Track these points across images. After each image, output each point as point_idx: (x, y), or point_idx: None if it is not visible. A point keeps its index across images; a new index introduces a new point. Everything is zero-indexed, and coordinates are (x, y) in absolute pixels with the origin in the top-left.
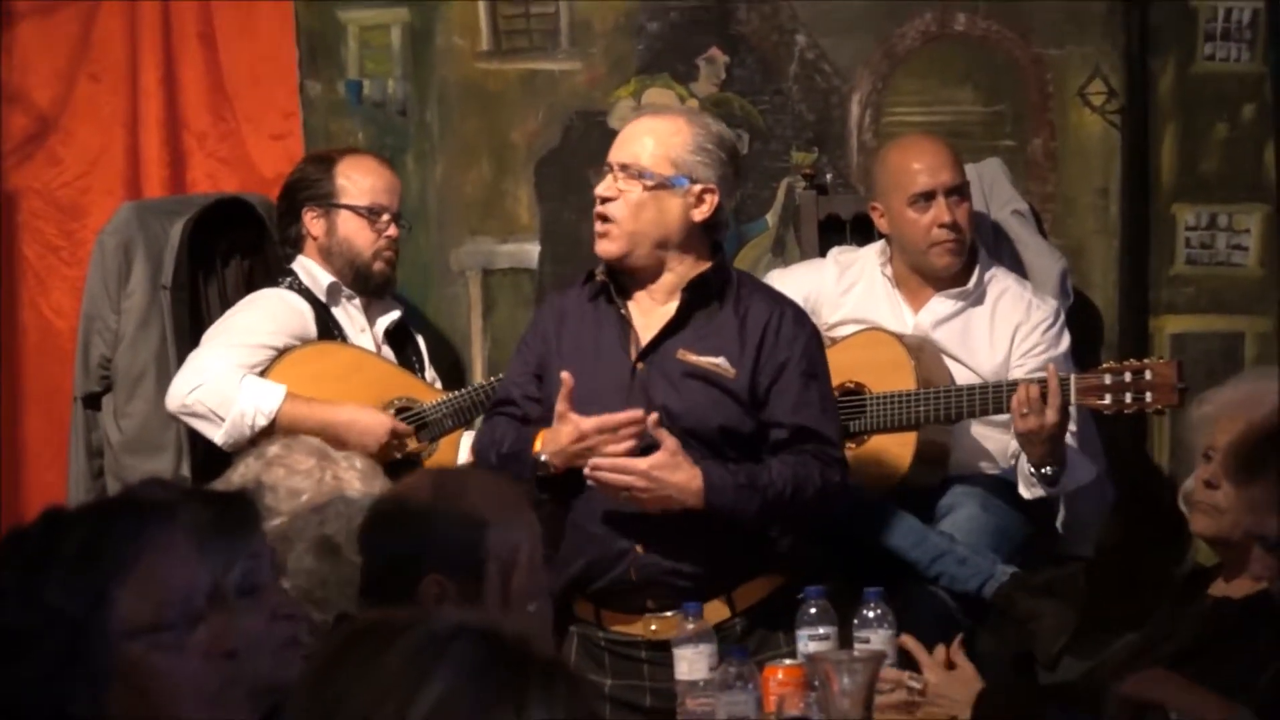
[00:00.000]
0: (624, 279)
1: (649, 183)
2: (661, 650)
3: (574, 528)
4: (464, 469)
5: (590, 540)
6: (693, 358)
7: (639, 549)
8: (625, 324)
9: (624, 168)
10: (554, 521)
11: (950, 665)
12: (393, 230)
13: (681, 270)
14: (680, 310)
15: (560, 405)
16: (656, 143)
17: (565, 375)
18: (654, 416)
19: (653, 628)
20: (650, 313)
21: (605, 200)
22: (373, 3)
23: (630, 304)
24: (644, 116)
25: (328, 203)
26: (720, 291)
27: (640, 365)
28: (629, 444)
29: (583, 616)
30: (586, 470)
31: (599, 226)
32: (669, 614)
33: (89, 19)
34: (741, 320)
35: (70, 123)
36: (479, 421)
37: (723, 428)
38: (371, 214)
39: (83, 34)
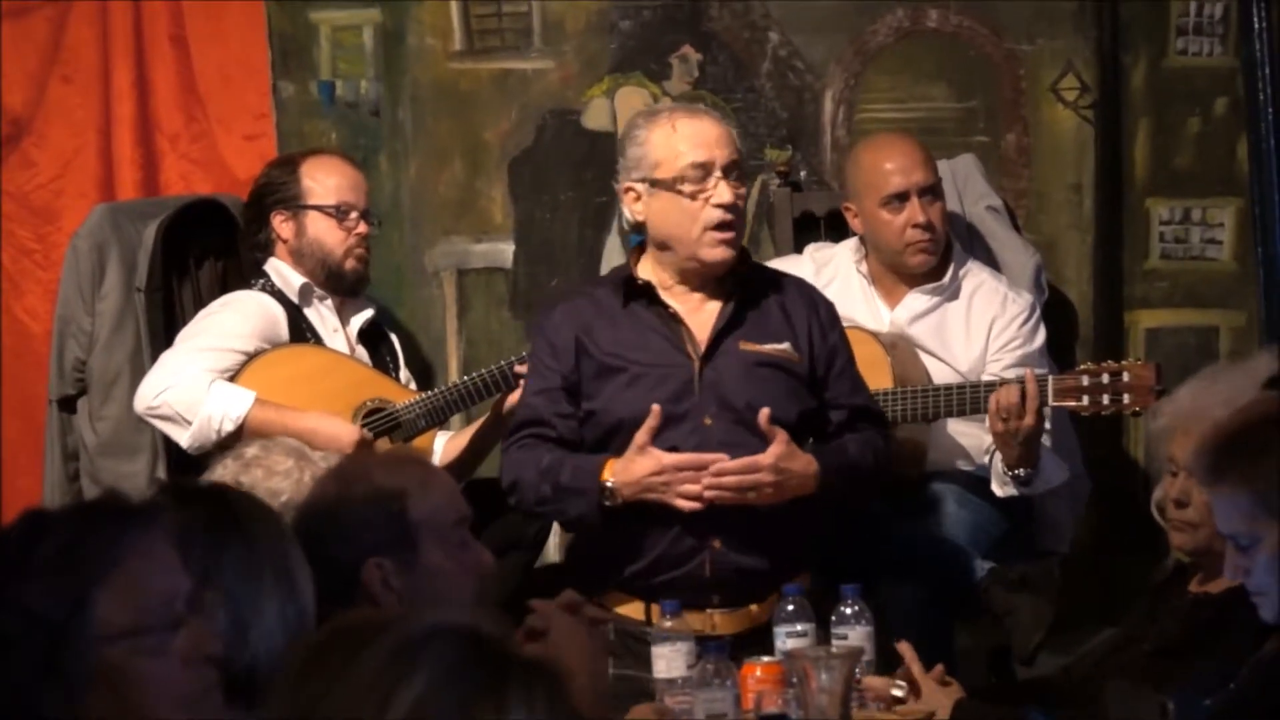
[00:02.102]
0: (671, 279)
1: (745, 184)
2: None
3: (640, 525)
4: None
5: (663, 536)
6: (758, 347)
7: (716, 544)
8: (675, 323)
9: (731, 169)
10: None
11: (944, 682)
12: (362, 228)
13: None
14: (738, 303)
15: (642, 437)
16: (732, 139)
17: (655, 408)
18: (765, 412)
19: (714, 623)
20: (697, 310)
21: (732, 208)
22: (344, 3)
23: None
24: (699, 116)
25: (295, 205)
26: (760, 281)
27: (704, 363)
28: (700, 486)
29: (628, 613)
30: (705, 483)
31: (726, 234)
32: (730, 610)
33: (60, 22)
34: (782, 307)
35: (43, 126)
36: (455, 421)
37: (801, 413)
38: (339, 212)
39: (54, 37)
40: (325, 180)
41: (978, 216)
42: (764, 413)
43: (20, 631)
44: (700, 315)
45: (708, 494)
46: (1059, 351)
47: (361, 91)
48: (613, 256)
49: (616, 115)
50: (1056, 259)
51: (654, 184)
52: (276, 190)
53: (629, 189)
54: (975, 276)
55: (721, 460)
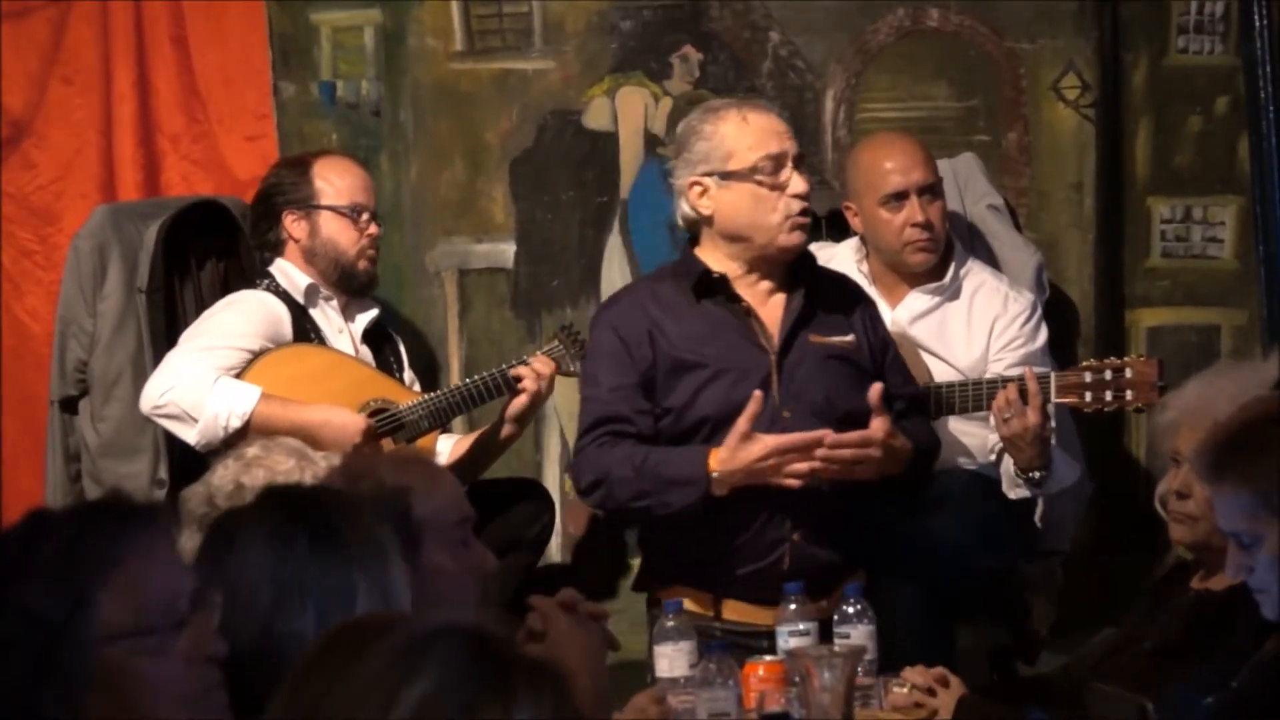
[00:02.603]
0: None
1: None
2: None
3: (722, 517)
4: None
5: (745, 529)
6: (826, 339)
7: (796, 537)
8: (747, 317)
9: (799, 159)
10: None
11: (944, 682)
12: (373, 229)
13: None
14: (811, 296)
15: (744, 425)
16: (792, 133)
17: (757, 394)
18: (877, 387)
19: None
20: (763, 304)
21: (807, 196)
22: (345, 4)
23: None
24: (766, 109)
25: (308, 205)
26: (814, 275)
27: (781, 358)
28: (811, 464)
29: (693, 608)
30: (819, 454)
31: (800, 219)
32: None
33: (61, 23)
34: (837, 300)
35: (44, 127)
36: (456, 423)
37: (868, 405)
38: (353, 213)
39: (55, 38)
40: (338, 181)
41: (979, 215)
42: (876, 387)
43: (20, 632)
44: (766, 309)
45: (818, 465)
46: (1060, 351)
47: (362, 92)
48: (614, 257)
49: (617, 115)
50: (1058, 258)
51: (726, 176)
52: (288, 190)
53: (695, 184)
54: (976, 276)
55: (828, 434)
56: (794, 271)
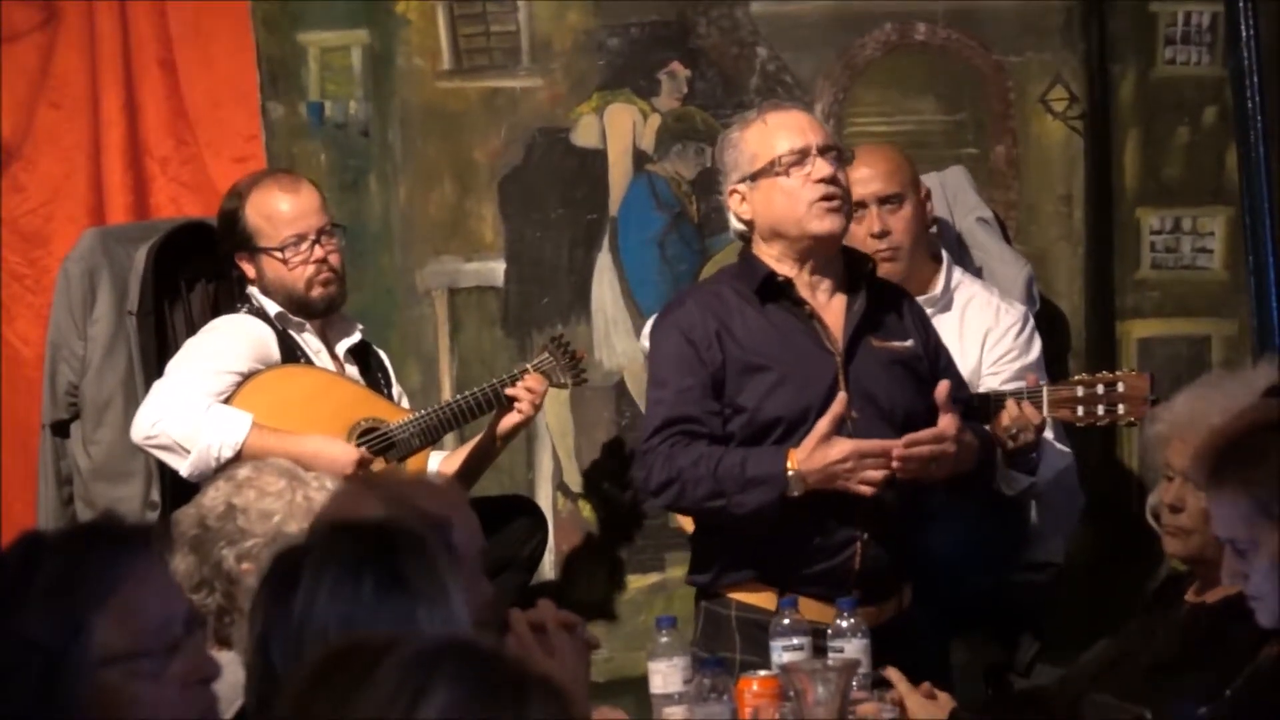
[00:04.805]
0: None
1: (845, 165)
2: None
3: (786, 519)
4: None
5: (814, 530)
6: (888, 344)
7: (865, 537)
8: (811, 320)
9: (827, 150)
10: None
11: (931, 696)
12: (319, 251)
13: (841, 259)
14: (870, 301)
15: (826, 426)
16: (824, 126)
17: (842, 395)
18: (944, 384)
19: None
20: (824, 307)
21: (833, 180)
22: (333, 25)
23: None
24: (787, 107)
25: (249, 248)
26: (870, 280)
27: (846, 361)
28: (882, 473)
29: (753, 604)
30: (897, 454)
31: (829, 204)
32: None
33: (49, 47)
34: (893, 305)
35: (32, 151)
36: (448, 440)
37: (928, 407)
38: (286, 250)
39: (43, 63)
40: (270, 216)
41: (968, 229)
42: (944, 385)
43: (19, 657)
44: (828, 312)
45: (895, 466)
46: (1051, 363)
47: (350, 112)
48: (604, 274)
49: (606, 133)
50: (1047, 270)
51: (754, 177)
52: (230, 233)
53: (733, 193)
54: (968, 289)
55: (906, 439)
56: (852, 276)
